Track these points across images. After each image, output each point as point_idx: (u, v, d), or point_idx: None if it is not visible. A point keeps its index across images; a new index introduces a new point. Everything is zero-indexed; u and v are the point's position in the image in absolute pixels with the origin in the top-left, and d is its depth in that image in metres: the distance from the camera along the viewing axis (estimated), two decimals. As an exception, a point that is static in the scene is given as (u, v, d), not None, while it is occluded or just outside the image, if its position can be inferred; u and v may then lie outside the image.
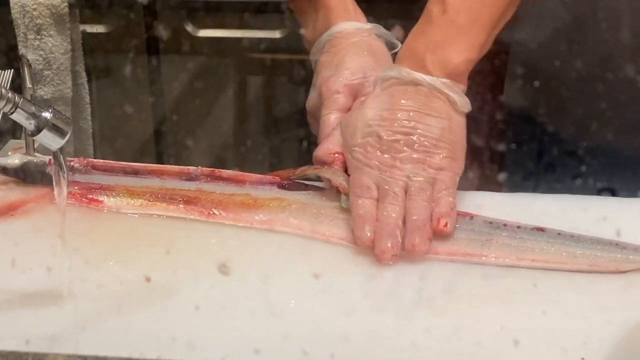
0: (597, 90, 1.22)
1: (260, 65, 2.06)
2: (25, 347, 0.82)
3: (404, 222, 0.99)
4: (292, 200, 1.06)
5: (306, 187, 1.09)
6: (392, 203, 1.00)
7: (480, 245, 0.99)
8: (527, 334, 0.86)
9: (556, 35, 1.25)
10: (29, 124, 0.87)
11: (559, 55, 1.26)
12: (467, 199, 1.06)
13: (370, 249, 0.97)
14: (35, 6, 1.59)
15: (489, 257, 0.98)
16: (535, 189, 1.27)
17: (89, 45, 1.75)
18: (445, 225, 0.98)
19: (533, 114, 1.31)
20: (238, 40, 1.98)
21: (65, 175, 0.91)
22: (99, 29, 1.92)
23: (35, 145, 1.13)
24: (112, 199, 1.08)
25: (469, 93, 1.08)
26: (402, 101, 1.04)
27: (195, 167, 1.12)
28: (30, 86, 1.29)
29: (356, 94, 1.12)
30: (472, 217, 1.02)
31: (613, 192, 1.14)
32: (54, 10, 1.61)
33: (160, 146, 2.02)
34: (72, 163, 1.13)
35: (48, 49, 1.62)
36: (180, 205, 1.06)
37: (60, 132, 0.88)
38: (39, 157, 1.13)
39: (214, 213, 1.06)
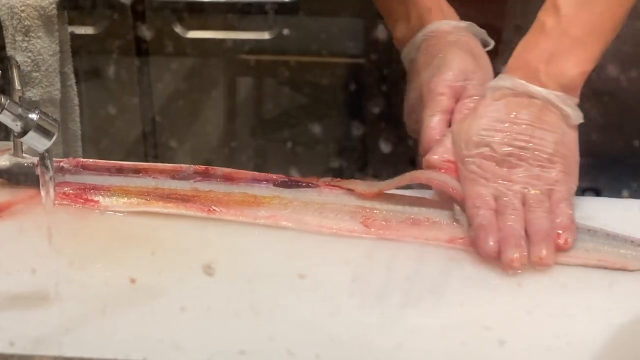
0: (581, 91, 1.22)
1: (249, 67, 2.06)
2: (10, 349, 0.82)
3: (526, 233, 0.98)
4: (292, 198, 1.07)
5: (304, 186, 1.09)
6: (513, 214, 0.99)
7: None
8: (512, 334, 0.86)
9: None
10: (15, 126, 0.87)
11: None
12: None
13: (492, 259, 0.96)
14: (23, 8, 1.59)
15: None
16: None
17: (78, 47, 1.75)
18: (566, 241, 0.98)
19: None
20: (226, 41, 1.98)
21: (52, 177, 0.91)
22: (87, 30, 1.92)
23: (24, 147, 1.13)
24: (107, 199, 1.08)
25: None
26: (516, 114, 1.03)
27: (187, 165, 1.13)
28: (19, 88, 1.29)
29: (458, 96, 1.11)
30: None
31: (597, 193, 1.15)
32: (42, 12, 1.61)
33: (149, 147, 2.02)
34: (61, 163, 1.13)
35: (36, 50, 1.62)
36: (179, 203, 1.07)
37: (47, 134, 0.88)
38: (27, 159, 1.12)
39: (214, 210, 1.06)
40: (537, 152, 1.02)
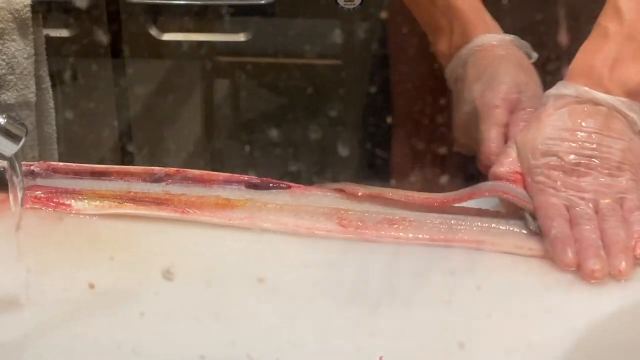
0: None
1: (226, 69, 2.05)
2: (-32, 357, 0.82)
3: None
4: (265, 201, 1.06)
5: (276, 188, 1.09)
6: (589, 224, 0.97)
7: None
8: (472, 336, 0.85)
9: None
10: (-19, 130, 0.86)
11: None
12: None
13: (566, 269, 0.96)
14: (-3, 11, 1.59)
15: None
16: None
17: (53, 50, 1.74)
18: None
19: None
20: (202, 43, 1.98)
21: (21, 181, 0.90)
22: (62, 33, 1.91)
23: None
24: (79, 202, 1.08)
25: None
26: (581, 122, 1.02)
27: (160, 168, 1.12)
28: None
29: (513, 108, 1.10)
30: None
31: None
32: (16, 15, 1.61)
33: (126, 150, 2.02)
34: (32, 167, 1.12)
35: (11, 53, 1.62)
36: (152, 206, 1.06)
37: (14, 138, 0.87)
38: (-3, 163, 1.12)
39: (187, 211, 1.05)
40: (605, 161, 1.00)
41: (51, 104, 1.74)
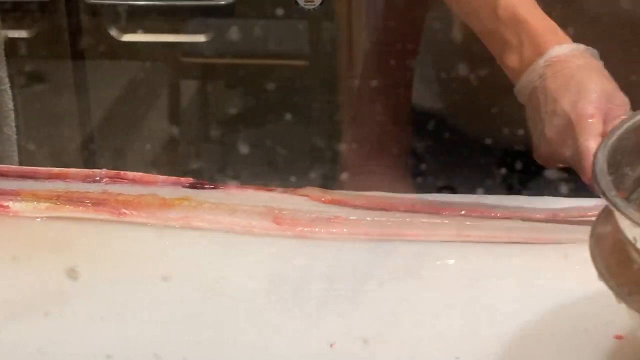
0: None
1: (185, 70, 2.05)
2: None
3: None
4: (201, 200, 1.06)
5: (213, 187, 1.09)
6: None
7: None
8: (377, 333, 0.85)
9: None
10: None
11: None
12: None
13: None
14: (-48, 11, 1.58)
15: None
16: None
17: (12, 51, 1.73)
18: None
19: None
20: (162, 44, 1.98)
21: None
22: (21, 34, 1.91)
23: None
24: (17, 204, 1.07)
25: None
26: None
27: (100, 170, 1.12)
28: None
29: (605, 117, 1.06)
30: None
31: (453, 191, 1.15)
32: (-26, 16, 1.60)
33: (88, 152, 2.01)
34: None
35: (-31, 54, 1.61)
36: (89, 206, 1.06)
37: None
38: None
39: (124, 212, 1.05)
40: None
41: (10, 105, 1.72)
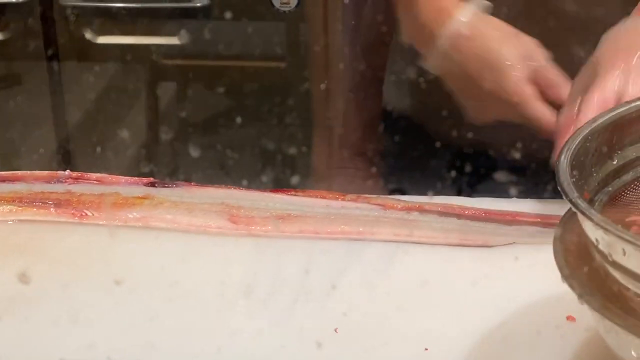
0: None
1: (160, 72, 2.04)
2: None
3: None
4: (162, 198, 1.06)
5: (173, 185, 1.08)
6: None
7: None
8: (329, 335, 0.85)
9: None
10: None
11: None
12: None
13: None
14: None
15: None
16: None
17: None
18: None
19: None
20: (138, 46, 1.97)
21: None
22: (-4, 35, 1.90)
23: None
24: None
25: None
26: None
27: (63, 172, 1.11)
28: None
29: (535, 79, 1.07)
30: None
31: (403, 193, 1.14)
32: (-53, 18, 1.59)
33: (64, 155, 2.00)
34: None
35: (-58, 56, 1.60)
36: (52, 209, 1.06)
37: None
38: None
39: (86, 214, 1.05)
40: None
41: (-16, 107, 1.72)
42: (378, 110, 1.33)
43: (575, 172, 0.81)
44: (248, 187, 1.07)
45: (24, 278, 0.91)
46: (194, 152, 1.98)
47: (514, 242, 0.99)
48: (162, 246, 1.00)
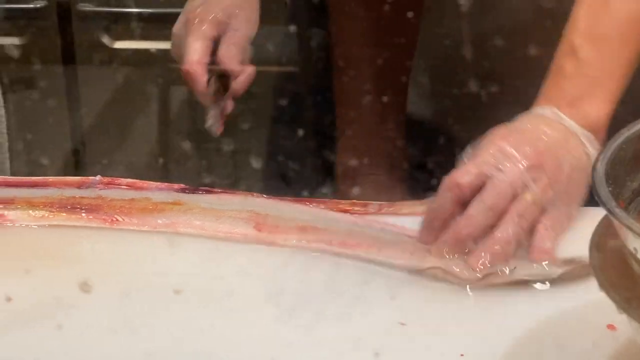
0: None
1: (178, 76, 2.05)
2: None
3: None
4: (192, 204, 1.06)
5: (206, 192, 1.09)
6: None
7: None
8: (387, 345, 0.85)
9: None
10: None
11: None
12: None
13: None
14: (-56, 18, 1.58)
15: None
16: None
17: (4, 57, 1.73)
18: None
19: None
20: (154, 51, 1.98)
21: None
22: (13, 41, 1.91)
23: None
24: (12, 212, 1.07)
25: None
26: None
27: (94, 177, 1.12)
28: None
29: (222, 28, 1.23)
30: None
31: None
32: (-35, 23, 1.60)
33: (80, 158, 2.01)
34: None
35: (-40, 61, 1.61)
36: (83, 214, 1.06)
37: None
38: None
39: (117, 219, 1.05)
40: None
41: (2, 112, 1.72)
42: (402, 117, 1.34)
43: (610, 181, 0.82)
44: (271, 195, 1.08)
45: (85, 287, 0.91)
46: (208, 155, 2.00)
47: None
48: (219, 254, 1.01)
